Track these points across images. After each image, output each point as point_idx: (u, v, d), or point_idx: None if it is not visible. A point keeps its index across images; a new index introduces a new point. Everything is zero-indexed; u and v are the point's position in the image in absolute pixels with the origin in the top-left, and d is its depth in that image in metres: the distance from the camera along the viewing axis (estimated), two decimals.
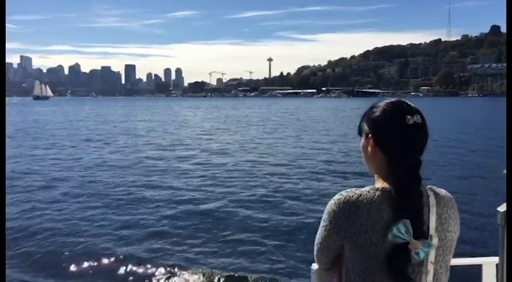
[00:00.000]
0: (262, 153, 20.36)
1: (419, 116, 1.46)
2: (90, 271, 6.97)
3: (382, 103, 1.53)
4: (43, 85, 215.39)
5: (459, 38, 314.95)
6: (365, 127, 1.55)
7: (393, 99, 1.55)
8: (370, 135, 1.51)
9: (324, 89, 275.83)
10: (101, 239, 8.27)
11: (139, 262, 7.13)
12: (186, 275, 6.72)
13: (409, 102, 1.51)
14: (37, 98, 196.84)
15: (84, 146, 23.50)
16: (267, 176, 14.37)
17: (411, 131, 1.44)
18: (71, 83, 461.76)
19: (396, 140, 1.45)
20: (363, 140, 1.57)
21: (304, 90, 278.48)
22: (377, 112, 1.51)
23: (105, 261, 7.24)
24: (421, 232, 1.39)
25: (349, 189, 1.47)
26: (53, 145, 23.89)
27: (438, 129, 28.65)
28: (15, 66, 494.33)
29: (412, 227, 1.37)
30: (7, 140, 21.77)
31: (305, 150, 21.13)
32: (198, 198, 11.33)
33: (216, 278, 6.58)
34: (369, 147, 1.52)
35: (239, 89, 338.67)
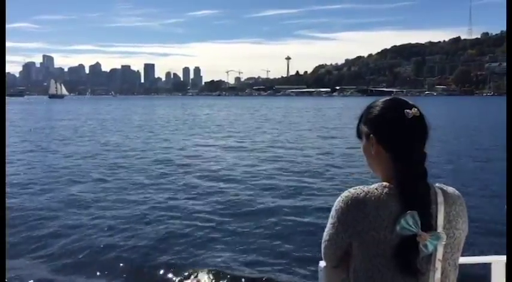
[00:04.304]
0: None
1: (417, 109, 1.47)
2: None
3: (379, 102, 1.55)
4: (58, 84, 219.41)
5: (479, 36, 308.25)
6: (365, 128, 1.54)
7: (388, 97, 1.56)
8: (371, 135, 1.51)
9: (337, 88, 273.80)
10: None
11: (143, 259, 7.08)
12: (192, 273, 6.59)
13: (405, 99, 1.54)
14: (52, 96, 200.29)
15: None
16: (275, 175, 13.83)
17: (412, 124, 1.44)
18: (92, 82, 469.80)
19: (399, 135, 1.45)
20: (364, 142, 1.55)
21: (318, 89, 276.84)
22: (375, 111, 1.52)
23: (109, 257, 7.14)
24: (429, 224, 1.39)
25: (357, 187, 1.47)
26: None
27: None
28: (37, 65, 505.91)
29: (419, 219, 1.37)
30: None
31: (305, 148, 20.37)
32: (204, 195, 11.13)
33: (222, 276, 6.44)
34: (372, 148, 1.51)
35: (254, 88, 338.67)
